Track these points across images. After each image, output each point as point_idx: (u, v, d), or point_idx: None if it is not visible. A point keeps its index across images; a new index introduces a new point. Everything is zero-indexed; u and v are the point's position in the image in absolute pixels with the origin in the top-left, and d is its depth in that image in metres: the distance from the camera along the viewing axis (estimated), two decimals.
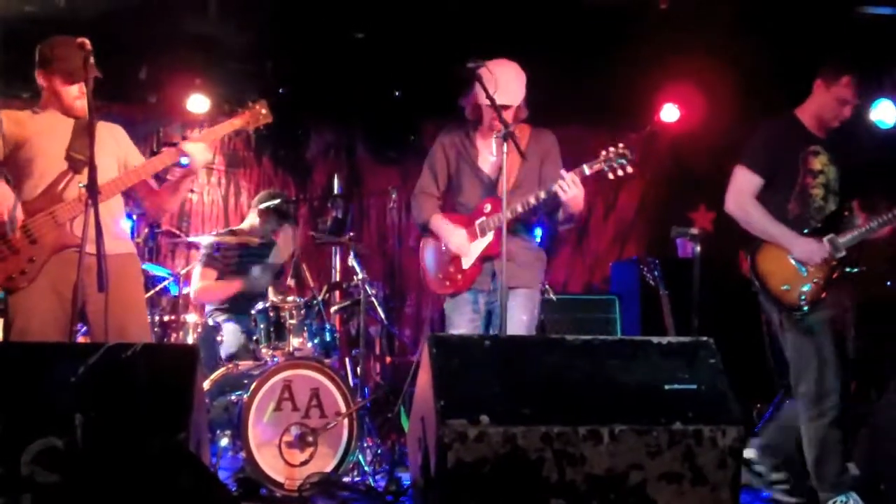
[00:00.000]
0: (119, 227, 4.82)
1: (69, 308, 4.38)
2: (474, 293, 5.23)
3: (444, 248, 5.29)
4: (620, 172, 5.07)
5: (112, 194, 4.60)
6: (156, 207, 5.01)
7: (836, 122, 5.30)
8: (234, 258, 6.85)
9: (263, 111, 4.95)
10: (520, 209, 5.07)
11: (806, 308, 5.08)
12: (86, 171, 4.34)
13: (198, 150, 4.72)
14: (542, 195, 5.04)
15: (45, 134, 4.62)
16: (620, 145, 5.05)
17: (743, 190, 5.27)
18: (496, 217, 5.09)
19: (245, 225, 7.16)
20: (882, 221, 5.10)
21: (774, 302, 5.18)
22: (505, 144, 4.87)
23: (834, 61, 5.32)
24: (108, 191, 4.53)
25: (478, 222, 5.20)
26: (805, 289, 5.10)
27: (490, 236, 5.15)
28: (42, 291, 4.48)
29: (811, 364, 5.08)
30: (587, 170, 5.03)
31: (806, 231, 5.17)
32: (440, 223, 5.29)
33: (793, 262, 5.15)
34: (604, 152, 5.04)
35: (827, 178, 5.24)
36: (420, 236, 5.52)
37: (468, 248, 5.20)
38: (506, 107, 5.10)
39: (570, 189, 4.96)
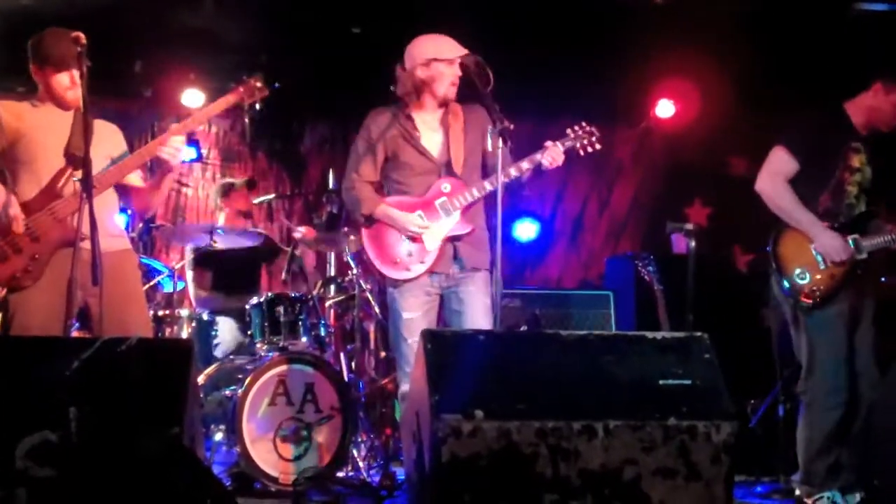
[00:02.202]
0: (114, 222, 4.81)
1: (74, 304, 4.38)
2: (430, 276, 5.06)
3: (399, 234, 5.05)
4: (590, 149, 5.16)
5: (104, 188, 4.58)
6: (143, 207, 5.03)
7: (886, 128, 5.24)
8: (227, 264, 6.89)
9: (258, 84, 4.81)
10: (488, 187, 5.00)
11: (818, 300, 5.03)
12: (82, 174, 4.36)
13: (178, 153, 4.67)
14: (527, 166, 5.02)
15: (45, 129, 4.60)
16: (583, 123, 5.17)
17: (778, 171, 5.18)
18: (460, 197, 5.03)
19: (221, 222, 7.16)
20: None
21: (788, 289, 5.11)
22: (500, 140, 4.75)
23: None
24: (99, 184, 4.49)
25: (438, 202, 5.05)
26: (821, 281, 5.04)
27: (456, 216, 5.04)
28: (43, 288, 4.47)
29: (823, 358, 5.04)
30: (561, 146, 5.08)
31: (835, 226, 5.09)
32: (389, 212, 5.06)
33: (813, 251, 5.07)
34: (570, 131, 5.14)
35: (863, 177, 5.18)
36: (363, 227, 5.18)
37: (430, 227, 5.02)
38: (463, 58, 5.04)
39: (557, 160, 5.05)
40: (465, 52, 5.05)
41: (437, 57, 5.05)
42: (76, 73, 4.49)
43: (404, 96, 5.18)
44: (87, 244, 4.17)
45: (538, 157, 5.02)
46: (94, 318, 4.53)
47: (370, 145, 5.15)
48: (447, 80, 5.06)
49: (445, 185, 5.08)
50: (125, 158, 4.71)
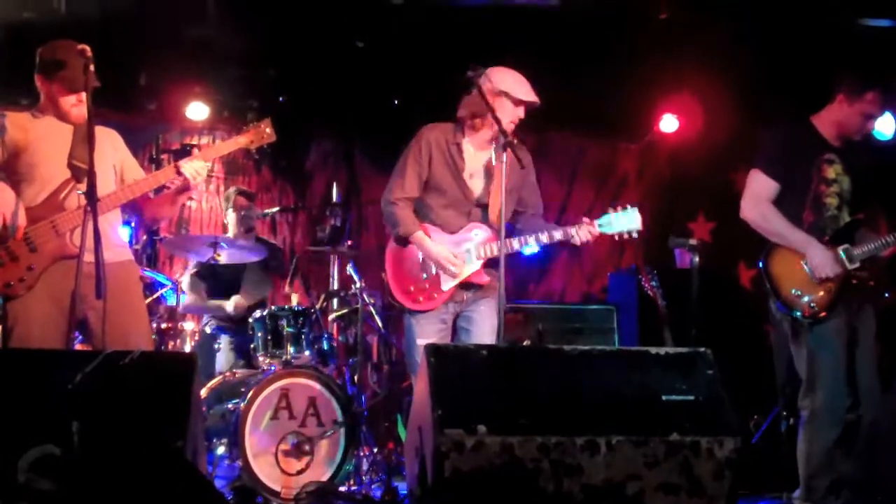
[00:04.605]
0: (117, 234, 4.82)
1: (68, 316, 4.39)
2: (445, 304, 5.16)
3: (422, 263, 5.14)
4: (626, 237, 5.15)
5: (110, 208, 4.60)
6: (152, 217, 5.04)
7: (859, 136, 5.25)
8: (227, 274, 6.90)
9: (268, 130, 4.89)
10: (516, 246, 5.07)
11: (816, 316, 5.00)
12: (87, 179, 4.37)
13: (196, 170, 4.69)
14: (559, 237, 5.09)
15: (46, 139, 4.61)
16: (623, 206, 5.15)
17: (759, 194, 5.17)
18: (486, 248, 5.09)
19: (230, 233, 7.19)
20: None
21: (783, 308, 5.09)
22: (504, 154, 4.81)
23: (857, 76, 5.23)
24: (106, 204, 4.52)
25: (465, 247, 5.13)
26: (816, 296, 5.01)
27: (477, 265, 5.11)
28: (41, 299, 4.48)
29: (823, 373, 4.99)
30: (597, 229, 5.10)
31: (825, 240, 5.07)
32: (428, 244, 5.11)
33: (805, 267, 5.05)
34: (611, 209, 5.14)
35: (841, 188, 5.16)
36: (391, 246, 5.30)
37: (463, 269, 5.10)
38: (530, 104, 5.11)
39: (587, 238, 5.08)
40: (535, 99, 5.09)
41: (509, 93, 5.08)
42: (84, 94, 4.50)
43: (464, 119, 5.20)
44: (88, 257, 4.17)
45: (571, 231, 5.08)
46: (94, 331, 4.54)
47: (418, 160, 5.19)
48: (507, 117, 5.06)
49: (477, 232, 5.15)
50: (134, 182, 4.71)
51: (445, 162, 5.18)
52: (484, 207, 5.17)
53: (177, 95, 8.30)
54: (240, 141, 4.88)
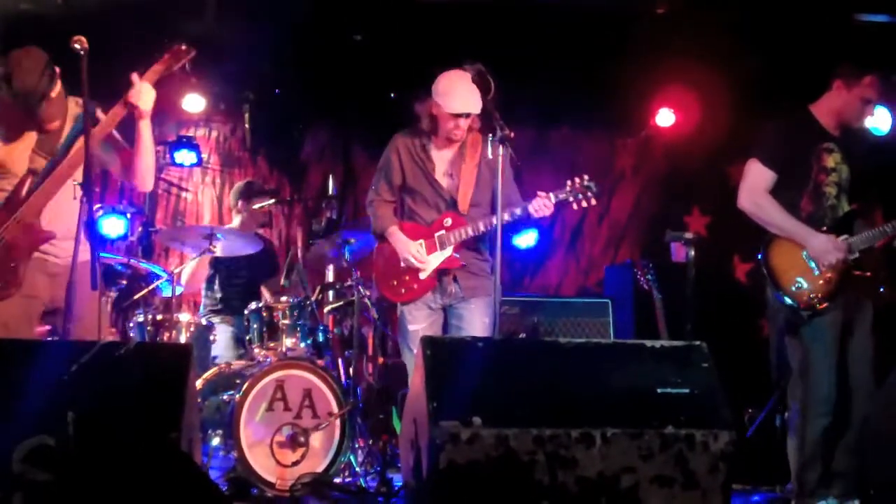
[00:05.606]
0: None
1: (37, 311, 4.49)
2: (432, 292, 5.35)
3: (401, 259, 5.35)
4: (584, 204, 5.23)
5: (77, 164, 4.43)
6: (135, 169, 4.80)
7: (858, 123, 5.25)
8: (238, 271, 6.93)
9: (183, 47, 4.78)
10: (482, 227, 5.21)
11: (815, 307, 4.99)
12: (40, 172, 4.42)
13: (142, 95, 4.67)
14: (519, 212, 5.16)
15: (21, 147, 4.51)
16: (586, 177, 5.22)
17: (756, 184, 5.17)
18: (457, 232, 5.27)
19: (235, 224, 7.20)
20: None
21: (783, 299, 5.08)
22: (501, 147, 4.87)
23: (853, 62, 5.24)
24: (74, 162, 4.41)
25: (437, 234, 5.31)
26: (816, 287, 5.00)
27: (449, 251, 5.30)
28: (14, 297, 4.44)
29: (816, 366, 4.99)
30: (553, 198, 5.18)
31: (823, 230, 5.07)
32: (397, 235, 5.36)
33: (805, 258, 5.04)
34: (569, 183, 5.21)
35: (839, 177, 5.16)
36: (377, 242, 5.57)
37: (426, 258, 5.29)
38: (466, 115, 5.21)
39: (543, 210, 5.15)
40: (472, 110, 5.17)
41: (443, 107, 5.22)
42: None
43: (423, 125, 5.40)
44: (48, 257, 4.30)
45: (529, 207, 5.17)
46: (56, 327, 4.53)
47: (388, 170, 5.46)
48: (448, 129, 5.28)
49: (447, 220, 5.33)
50: (99, 125, 4.61)
51: (416, 164, 5.41)
52: (454, 200, 5.35)
53: (173, 87, 8.27)
54: (158, 69, 4.78)
